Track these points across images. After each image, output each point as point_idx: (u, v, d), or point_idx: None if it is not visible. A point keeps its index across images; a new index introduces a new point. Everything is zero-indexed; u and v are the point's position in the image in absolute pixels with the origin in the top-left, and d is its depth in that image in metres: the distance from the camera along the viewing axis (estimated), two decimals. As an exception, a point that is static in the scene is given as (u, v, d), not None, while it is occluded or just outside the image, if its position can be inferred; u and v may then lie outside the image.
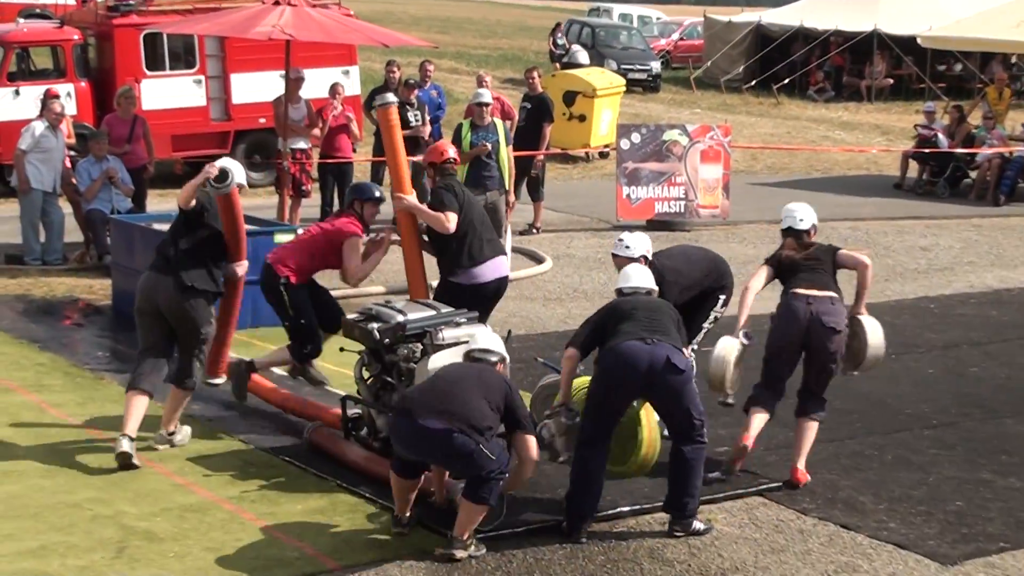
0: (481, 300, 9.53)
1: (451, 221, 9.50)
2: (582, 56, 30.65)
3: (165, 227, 10.87)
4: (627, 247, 8.90)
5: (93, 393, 10.32)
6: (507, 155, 14.16)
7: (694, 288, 9.30)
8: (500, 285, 9.89)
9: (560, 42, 34.72)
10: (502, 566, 7.29)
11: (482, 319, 9.24)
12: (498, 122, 14.34)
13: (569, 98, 23.50)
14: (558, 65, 30.93)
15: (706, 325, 9.45)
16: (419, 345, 8.50)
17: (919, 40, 26.97)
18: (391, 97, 10.09)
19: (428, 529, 7.63)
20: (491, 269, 9.73)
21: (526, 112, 17.81)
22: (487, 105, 14.19)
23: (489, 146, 13.87)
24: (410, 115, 17.05)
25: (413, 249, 9.77)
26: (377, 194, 9.86)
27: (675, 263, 9.33)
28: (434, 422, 7.18)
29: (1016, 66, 37.80)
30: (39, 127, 14.76)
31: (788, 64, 35.67)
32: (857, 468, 8.94)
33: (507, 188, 14.22)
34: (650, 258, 8.93)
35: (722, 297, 9.52)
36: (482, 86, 16.75)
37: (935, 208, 20.50)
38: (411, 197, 9.70)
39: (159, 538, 7.54)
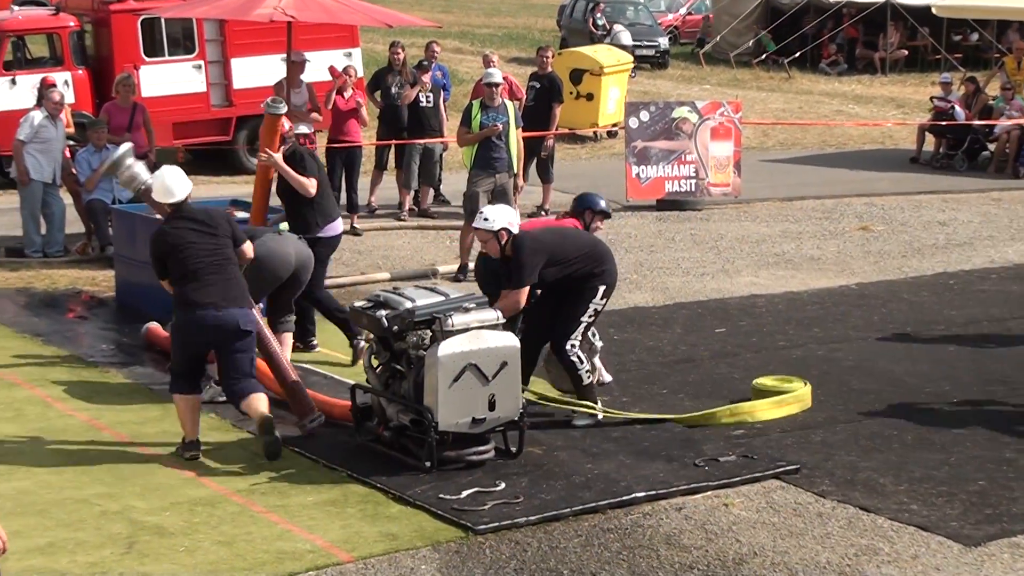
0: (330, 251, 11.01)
1: (313, 186, 10.64)
2: (625, 37, 30.44)
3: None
4: (485, 219, 9.02)
5: (99, 387, 10.20)
6: (516, 137, 13.96)
7: (563, 265, 9.06)
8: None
9: (600, 22, 33.98)
10: (516, 554, 7.17)
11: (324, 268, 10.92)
12: (508, 103, 14.12)
13: (576, 76, 23.29)
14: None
15: (584, 318, 9.23)
16: (428, 332, 8.36)
17: (934, 10, 26.61)
18: (282, 108, 10.82)
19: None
20: (339, 225, 11.01)
21: (535, 92, 17.59)
22: (497, 85, 13.94)
23: (500, 127, 13.64)
24: (420, 96, 16.91)
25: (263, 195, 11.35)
26: (605, 207, 10.18)
27: (543, 236, 9.26)
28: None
29: (1034, 34, 37.45)
30: (38, 117, 14.63)
31: (799, 37, 35.37)
32: (877, 449, 8.79)
33: (516, 171, 14.04)
34: (513, 231, 8.97)
35: (601, 288, 9.21)
36: (490, 66, 16.57)
37: (952, 182, 20.26)
38: (278, 156, 10.72)
39: (169, 532, 7.44)
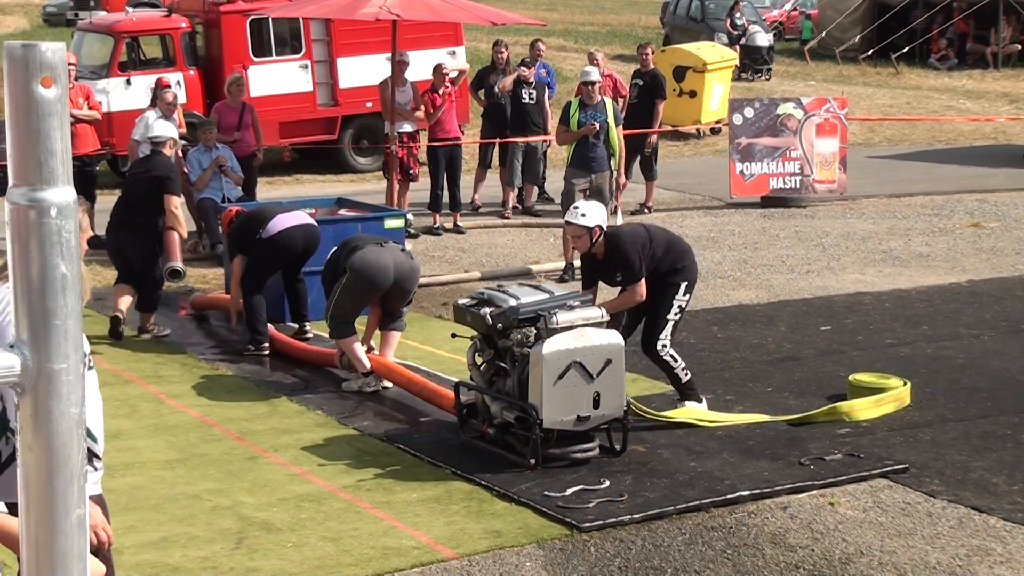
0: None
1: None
2: (761, 38, 30.26)
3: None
4: (582, 215, 9.05)
5: (210, 383, 10.38)
6: (617, 135, 13.87)
7: (651, 260, 9.12)
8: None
9: (739, 22, 33.62)
10: (621, 552, 7.15)
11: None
12: (608, 101, 14.07)
13: (679, 73, 23.21)
14: (738, 47, 30.55)
15: (671, 316, 9.20)
16: (532, 329, 8.38)
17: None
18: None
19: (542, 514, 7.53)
20: (281, 223, 11.09)
21: (638, 89, 17.56)
22: (595, 83, 13.92)
23: (597, 125, 13.59)
24: (523, 93, 16.96)
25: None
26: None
27: (634, 230, 9.41)
28: None
29: None
30: (152, 116, 14.89)
31: (907, 32, 34.84)
32: (989, 448, 8.64)
33: (618, 169, 13.98)
34: (605, 228, 9.07)
35: (683, 284, 9.20)
36: (593, 63, 16.56)
37: (1068, 177, 19.85)
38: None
39: (277, 528, 7.53)
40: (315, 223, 11.34)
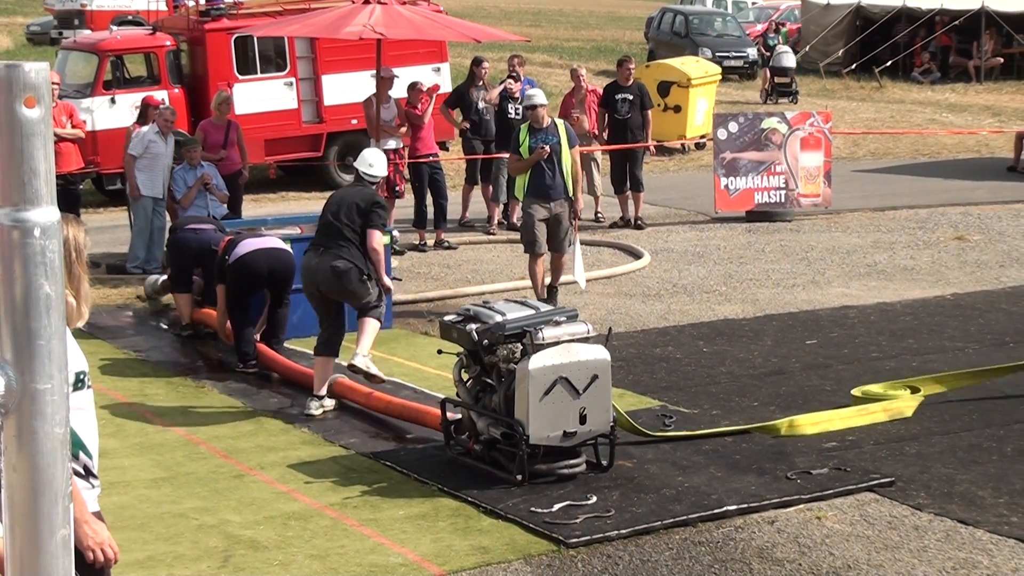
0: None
1: None
2: (787, 59, 30.17)
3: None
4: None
5: (195, 402, 10.37)
6: (571, 159, 12.79)
7: None
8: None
9: (772, 43, 33.27)
10: (608, 568, 7.15)
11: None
12: (560, 123, 13.05)
13: (664, 88, 23.27)
14: (767, 71, 30.58)
15: None
16: (519, 345, 8.39)
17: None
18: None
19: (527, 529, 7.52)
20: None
21: (628, 104, 17.59)
22: (540, 107, 12.82)
23: (548, 148, 12.58)
24: (509, 107, 17.00)
25: None
26: None
27: None
28: None
29: None
30: (149, 133, 14.86)
31: (890, 46, 35.01)
32: (975, 461, 8.65)
33: (574, 195, 12.83)
34: None
35: None
36: (579, 80, 16.61)
37: (1051, 190, 19.95)
38: None
39: (263, 546, 7.51)
40: (283, 247, 11.33)
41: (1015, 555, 7.20)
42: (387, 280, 10.37)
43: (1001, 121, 27.75)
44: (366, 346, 9.78)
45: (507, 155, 16.93)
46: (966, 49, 35.41)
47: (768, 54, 31.94)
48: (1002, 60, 35.15)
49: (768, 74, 30.24)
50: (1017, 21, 31.92)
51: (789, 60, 30.07)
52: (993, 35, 34.72)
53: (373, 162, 10.44)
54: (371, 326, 9.88)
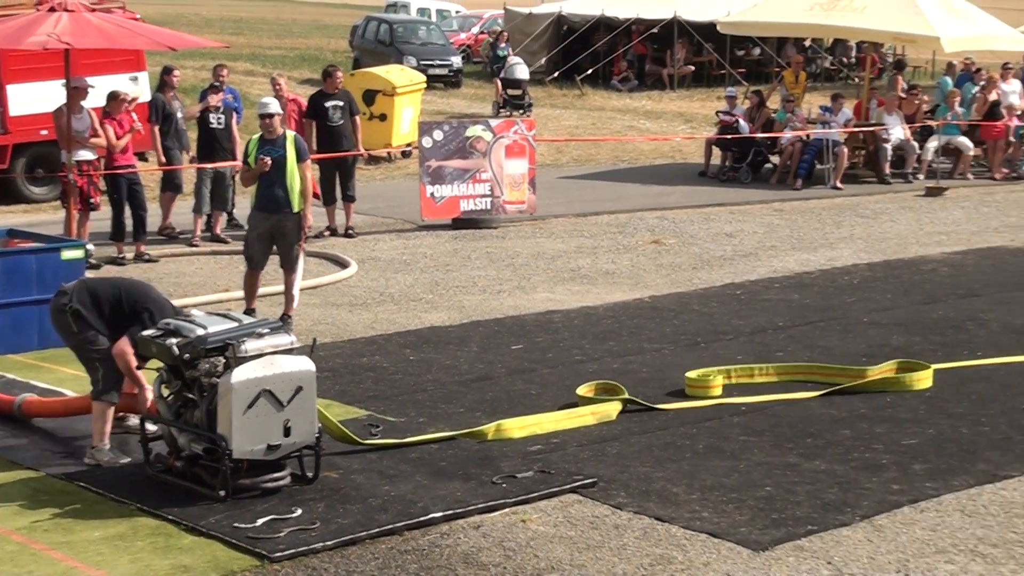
0: None
1: None
2: (520, 71, 30.00)
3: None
4: None
5: None
6: (297, 171, 12.44)
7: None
8: None
9: (502, 53, 32.95)
10: (314, 582, 7.08)
11: None
12: (290, 135, 12.70)
13: (369, 97, 23.29)
14: (499, 81, 30.44)
15: None
16: (221, 359, 8.23)
17: (718, 27, 27.53)
18: None
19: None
20: None
21: (340, 111, 17.53)
22: (273, 116, 12.43)
23: (270, 161, 12.28)
24: (211, 118, 16.71)
25: None
26: None
27: None
28: None
29: (811, 48, 38.94)
30: None
31: (591, 54, 35.97)
32: (670, 459, 8.94)
33: (302, 209, 12.51)
34: None
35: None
36: (277, 88, 16.42)
37: (738, 194, 20.94)
38: None
39: (-57, 578, 7.14)
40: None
41: (707, 549, 7.47)
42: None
43: (693, 127, 28.90)
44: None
45: (209, 166, 16.72)
46: (660, 57, 36.74)
47: (499, 66, 32.12)
48: (693, 68, 36.63)
49: (500, 86, 30.44)
50: (706, 31, 33.31)
51: (522, 72, 30.21)
52: (685, 44, 36.14)
53: None
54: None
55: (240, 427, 7.99)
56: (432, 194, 17.90)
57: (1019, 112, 23.62)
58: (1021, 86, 24.43)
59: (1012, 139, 23.63)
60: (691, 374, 10.55)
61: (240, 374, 8.03)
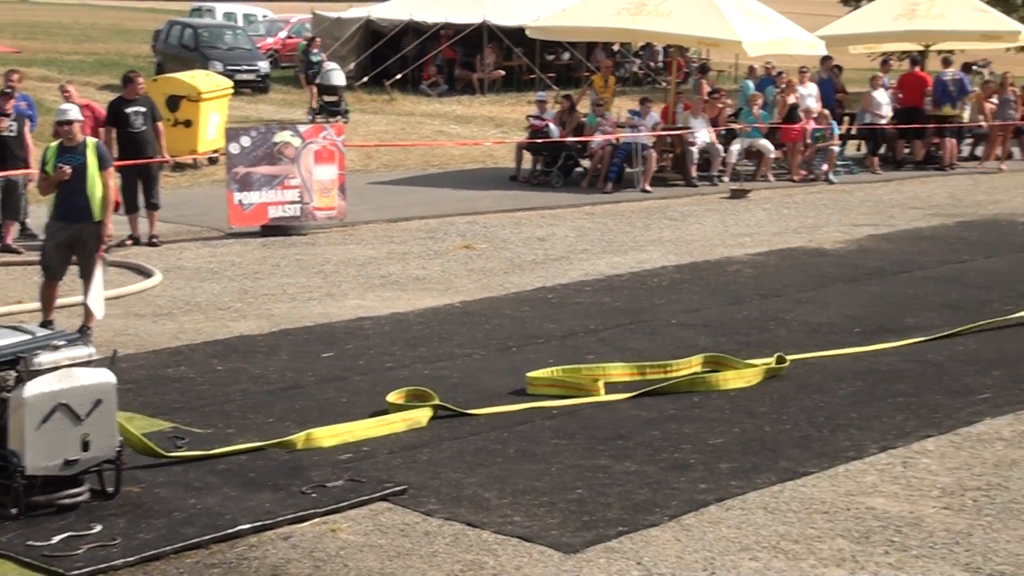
0: None
1: None
2: (337, 77, 29.42)
3: None
4: None
5: None
6: (98, 179, 12.14)
7: None
8: None
9: (316, 59, 32.16)
10: (116, 600, 6.86)
11: None
12: (91, 142, 12.36)
13: (173, 103, 22.83)
14: (315, 87, 29.70)
15: None
16: (13, 372, 7.92)
17: (527, 31, 27.72)
18: None
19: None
20: None
21: (143, 117, 17.18)
22: (72, 123, 12.10)
23: (69, 169, 11.95)
24: (3, 125, 16.19)
25: None
26: None
27: None
28: None
29: (620, 53, 39.56)
30: None
31: (400, 59, 35.90)
32: (481, 464, 8.91)
33: (103, 219, 12.18)
34: None
35: None
36: (66, 96, 15.99)
37: (550, 198, 21.11)
38: None
39: None
40: None
41: (518, 553, 7.46)
42: None
43: (504, 132, 29.05)
44: None
45: (1, 174, 16.14)
46: (470, 62, 36.89)
47: (311, 70, 31.68)
48: (503, 73, 36.85)
49: (315, 92, 30.01)
50: (516, 35, 33.56)
51: (339, 78, 29.83)
52: (495, 49, 36.34)
53: None
54: None
55: (34, 442, 7.71)
56: (240, 201, 17.59)
57: (815, 115, 24.34)
58: (818, 90, 25.16)
59: (808, 141, 24.34)
60: (533, 374, 10.65)
61: (33, 388, 7.75)
